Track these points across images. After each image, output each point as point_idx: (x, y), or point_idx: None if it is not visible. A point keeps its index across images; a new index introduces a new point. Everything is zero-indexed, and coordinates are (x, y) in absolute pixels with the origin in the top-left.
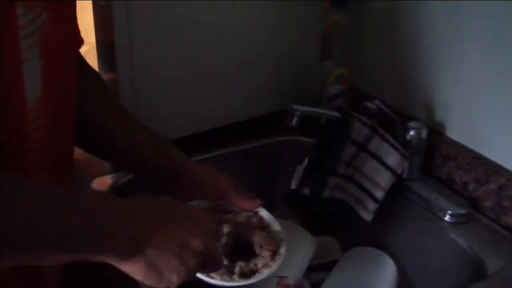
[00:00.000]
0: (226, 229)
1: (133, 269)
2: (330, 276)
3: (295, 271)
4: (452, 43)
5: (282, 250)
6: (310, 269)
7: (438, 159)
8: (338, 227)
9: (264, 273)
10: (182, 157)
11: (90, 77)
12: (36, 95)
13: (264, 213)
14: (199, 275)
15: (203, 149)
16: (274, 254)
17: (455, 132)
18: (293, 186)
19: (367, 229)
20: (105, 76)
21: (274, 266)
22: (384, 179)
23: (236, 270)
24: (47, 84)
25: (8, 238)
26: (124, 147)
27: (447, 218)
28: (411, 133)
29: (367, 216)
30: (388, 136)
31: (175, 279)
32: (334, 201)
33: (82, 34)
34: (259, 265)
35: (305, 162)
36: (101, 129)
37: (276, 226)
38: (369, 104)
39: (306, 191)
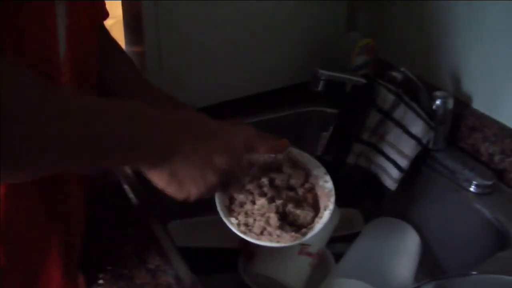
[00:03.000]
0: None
1: (158, 176)
2: (352, 246)
3: (318, 240)
4: (480, 13)
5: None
6: (333, 240)
7: (464, 130)
8: (361, 199)
9: (322, 220)
10: None
11: (110, 45)
12: (63, 51)
13: (295, 150)
14: (247, 237)
15: (228, 118)
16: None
17: (482, 103)
18: (317, 153)
19: (391, 200)
20: (132, 48)
21: (325, 217)
22: (409, 148)
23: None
24: (71, 42)
25: (55, 141)
26: None
27: (472, 188)
28: (437, 102)
29: (392, 185)
30: (413, 105)
31: (193, 191)
32: (358, 169)
33: (109, 7)
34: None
35: (330, 129)
36: (116, 91)
37: (312, 162)
38: (394, 73)
39: (330, 159)
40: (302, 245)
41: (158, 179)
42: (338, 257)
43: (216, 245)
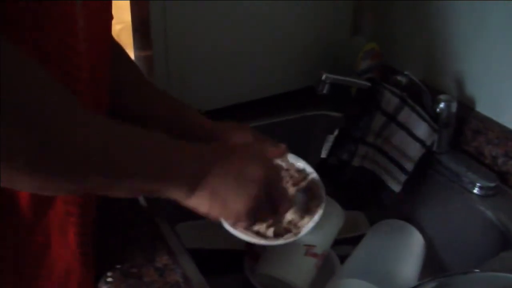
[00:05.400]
0: None
1: (198, 201)
2: (357, 248)
3: (323, 241)
4: (483, 17)
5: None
6: (338, 242)
7: (468, 133)
8: (366, 202)
9: (309, 225)
10: (199, 117)
11: (116, 50)
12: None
13: (291, 156)
14: (241, 235)
15: (235, 121)
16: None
17: (485, 106)
18: (323, 155)
19: (395, 202)
20: (141, 53)
21: (316, 216)
22: (413, 151)
23: (270, 233)
24: (86, 42)
25: (90, 164)
26: (139, 109)
27: (475, 190)
28: (441, 105)
29: (396, 187)
30: (417, 108)
31: (240, 207)
32: (363, 171)
33: (117, 12)
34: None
35: (336, 132)
36: (120, 92)
37: (307, 169)
38: (399, 77)
39: (336, 161)
40: (308, 246)
41: (200, 203)
42: (343, 259)
43: (223, 247)
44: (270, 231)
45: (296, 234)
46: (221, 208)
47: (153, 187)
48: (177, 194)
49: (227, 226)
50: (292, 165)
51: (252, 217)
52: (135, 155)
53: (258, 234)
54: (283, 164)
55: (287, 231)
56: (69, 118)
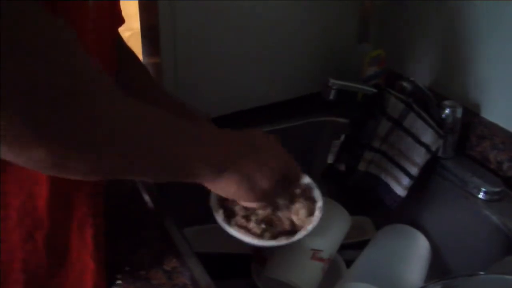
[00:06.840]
0: None
1: (226, 183)
2: (363, 252)
3: (330, 245)
4: (489, 23)
5: (317, 212)
6: (344, 247)
7: (473, 139)
8: (372, 206)
9: (301, 232)
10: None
11: (126, 54)
12: None
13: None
14: (234, 232)
15: (242, 127)
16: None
17: (490, 112)
18: (329, 161)
19: (401, 207)
20: (149, 60)
21: (309, 227)
22: (419, 156)
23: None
24: (94, 41)
25: (126, 153)
26: None
27: (481, 195)
28: (446, 111)
29: (402, 192)
30: (423, 114)
31: (265, 184)
32: (369, 176)
33: (126, 19)
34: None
35: (342, 138)
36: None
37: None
38: (404, 84)
39: (342, 167)
40: (315, 250)
41: (228, 185)
42: (349, 263)
43: (230, 251)
44: (266, 234)
45: (288, 239)
46: (248, 188)
47: (182, 171)
48: (205, 177)
49: (224, 226)
50: None
51: (275, 196)
52: (167, 137)
53: (254, 236)
54: None
55: (283, 233)
56: (105, 94)
